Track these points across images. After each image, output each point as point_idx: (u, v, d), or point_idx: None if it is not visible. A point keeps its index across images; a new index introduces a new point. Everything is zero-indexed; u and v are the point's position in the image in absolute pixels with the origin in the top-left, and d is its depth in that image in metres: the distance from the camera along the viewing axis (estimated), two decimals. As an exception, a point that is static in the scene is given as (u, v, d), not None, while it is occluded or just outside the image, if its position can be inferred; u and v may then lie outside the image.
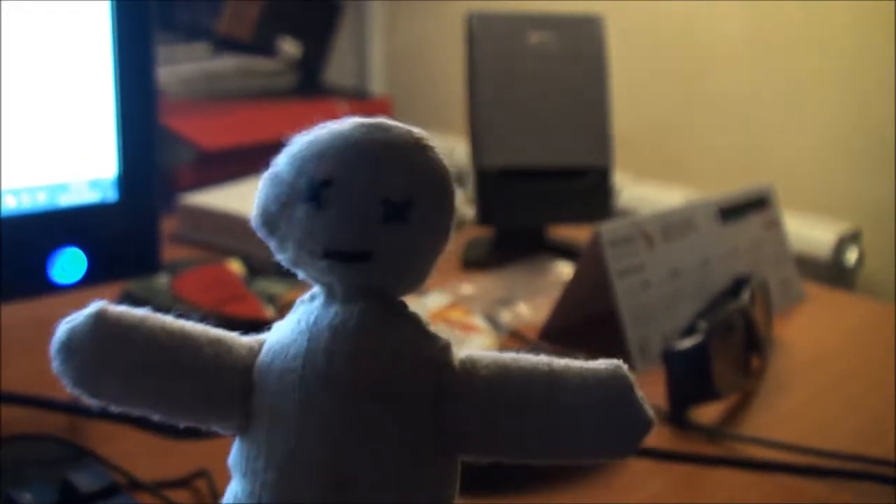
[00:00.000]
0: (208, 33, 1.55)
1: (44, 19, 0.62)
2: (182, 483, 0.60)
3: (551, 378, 0.36)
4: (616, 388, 0.36)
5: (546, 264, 1.01)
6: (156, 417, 0.37)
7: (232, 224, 1.00)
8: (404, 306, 0.37)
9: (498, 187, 0.99)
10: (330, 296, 0.36)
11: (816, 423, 0.73)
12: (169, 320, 0.37)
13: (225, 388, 0.36)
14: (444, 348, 0.36)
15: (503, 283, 0.96)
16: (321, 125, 0.36)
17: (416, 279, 0.37)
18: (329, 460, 0.35)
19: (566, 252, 1.02)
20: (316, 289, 0.37)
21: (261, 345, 0.37)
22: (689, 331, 0.73)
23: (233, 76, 1.48)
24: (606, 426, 0.36)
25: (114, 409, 0.36)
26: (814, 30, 1.29)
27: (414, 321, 0.36)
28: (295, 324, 0.36)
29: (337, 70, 1.67)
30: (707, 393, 0.71)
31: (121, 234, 0.68)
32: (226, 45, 1.53)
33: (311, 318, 0.36)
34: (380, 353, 0.35)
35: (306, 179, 0.34)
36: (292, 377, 0.35)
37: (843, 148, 1.28)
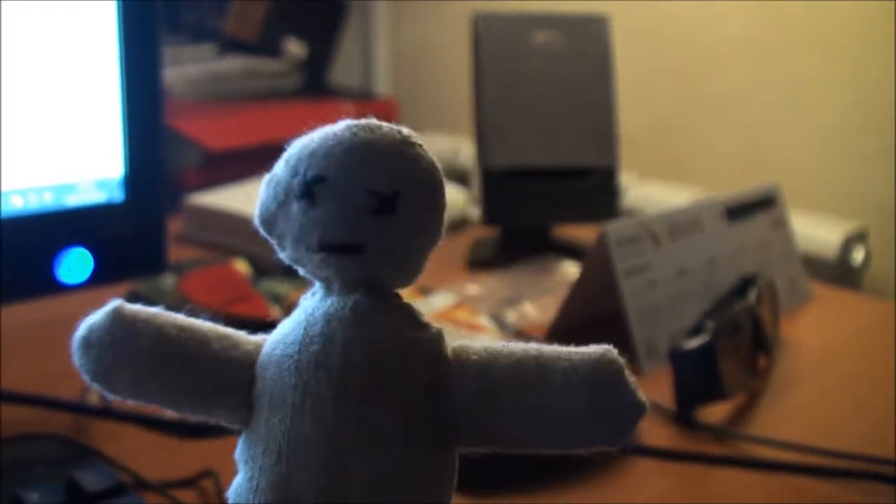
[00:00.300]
0: (214, 34, 1.55)
1: (50, 20, 0.62)
2: (188, 483, 0.60)
3: (540, 363, 0.37)
4: (605, 371, 0.37)
5: (552, 264, 1.01)
6: (168, 410, 0.39)
7: (238, 224, 1.00)
8: (398, 297, 0.38)
9: (504, 187, 0.99)
10: (328, 289, 0.38)
11: (824, 422, 0.73)
12: (180, 317, 0.39)
13: (231, 380, 0.38)
14: (437, 337, 0.38)
15: (509, 283, 0.96)
16: (317, 129, 0.38)
17: (408, 271, 0.38)
18: (323, 443, 0.36)
19: (572, 252, 1.02)
20: (316, 285, 0.39)
21: (265, 340, 0.39)
22: (696, 330, 0.73)
23: (238, 77, 1.49)
24: (597, 410, 0.36)
25: (130, 401, 0.39)
26: (819, 29, 1.29)
27: (406, 310, 0.38)
28: (295, 317, 0.38)
29: (342, 71, 1.68)
30: (714, 393, 0.71)
31: (127, 235, 0.68)
32: (231, 45, 1.54)
33: (309, 310, 0.37)
34: (372, 341, 0.36)
35: (300, 178, 0.37)
36: (289, 363, 0.37)
37: (849, 147, 1.28)
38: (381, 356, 0.36)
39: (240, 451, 0.38)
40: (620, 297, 0.80)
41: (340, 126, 0.37)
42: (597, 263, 0.81)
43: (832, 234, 1.22)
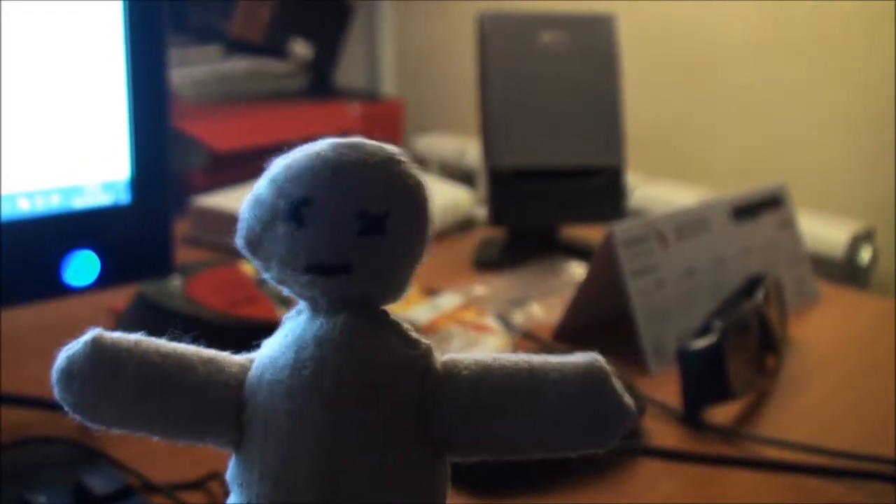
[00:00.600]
0: (220, 35, 1.55)
1: (56, 22, 0.62)
2: (195, 485, 0.60)
3: (531, 375, 0.37)
4: (594, 379, 0.37)
5: (559, 265, 1.00)
6: (154, 438, 0.38)
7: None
8: (386, 315, 0.38)
9: (510, 187, 0.99)
10: (315, 309, 0.38)
11: (832, 422, 0.73)
12: (162, 343, 0.38)
13: (218, 405, 0.37)
14: (426, 352, 0.38)
15: (516, 284, 0.96)
16: (298, 148, 0.37)
17: (396, 288, 0.38)
18: (320, 468, 0.36)
19: (579, 252, 1.01)
20: (301, 304, 0.38)
21: (251, 362, 0.38)
22: (704, 330, 0.72)
23: (244, 78, 1.49)
24: (587, 418, 0.37)
25: (115, 431, 0.38)
26: (825, 29, 1.29)
27: (396, 328, 0.38)
28: (282, 338, 0.38)
29: (348, 71, 1.68)
30: (722, 393, 0.71)
31: (134, 237, 0.68)
32: (237, 47, 1.54)
33: (297, 332, 0.37)
34: (364, 361, 0.36)
35: (285, 199, 0.36)
36: (281, 389, 0.36)
37: (856, 146, 1.28)
38: (373, 377, 0.36)
39: (232, 474, 0.38)
40: (628, 298, 0.80)
41: (324, 145, 0.37)
42: (604, 264, 0.81)
43: (839, 234, 1.22)
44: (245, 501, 0.37)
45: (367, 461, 0.36)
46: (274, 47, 1.53)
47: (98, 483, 0.56)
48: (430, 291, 0.88)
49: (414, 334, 0.38)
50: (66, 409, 0.37)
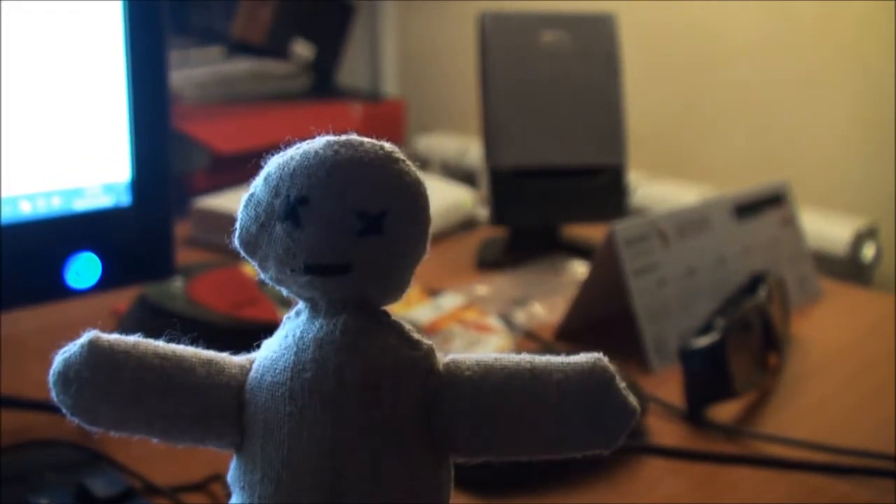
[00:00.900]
0: (222, 37, 1.55)
1: (56, 23, 0.62)
2: (198, 487, 0.60)
3: (533, 375, 0.37)
4: (597, 379, 0.37)
5: (561, 264, 1.00)
6: (154, 440, 0.38)
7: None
8: (387, 315, 0.38)
9: (512, 187, 0.99)
10: (314, 310, 0.37)
11: (835, 420, 0.73)
12: (161, 344, 0.38)
13: (218, 407, 0.37)
14: (428, 353, 0.37)
15: (518, 284, 0.96)
16: (294, 146, 0.37)
17: (396, 288, 0.38)
18: (322, 470, 0.36)
19: (581, 251, 1.01)
20: (300, 304, 0.38)
21: (251, 363, 0.38)
22: (706, 329, 0.72)
23: (246, 79, 1.48)
24: (591, 418, 0.37)
25: (113, 433, 0.38)
26: (827, 26, 1.28)
27: (397, 328, 0.38)
28: (282, 339, 0.37)
29: (350, 72, 1.68)
30: (724, 391, 0.71)
31: (135, 239, 0.68)
32: (239, 48, 1.54)
33: (297, 332, 0.37)
34: (365, 362, 0.36)
35: (282, 199, 0.36)
36: (282, 390, 0.36)
37: (859, 143, 1.28)
38: (374, 378, 0.36)
39: (233, 476, 0.38)
40: (629, 297, 0.80)
41: (320, 143, 0.36)
42: (606, 263, 0.81)
43: (842, 231, 1.22)
44: (247, 503, 0.37)
45: (369, 462, 0.36)
46: (275, 48, 1.53)
47: (100, 486, 0.56)
48: (432, 291, 0.88)
49: (415, 335, 0.38)
50: (64, 411, 0.37)
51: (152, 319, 0.75)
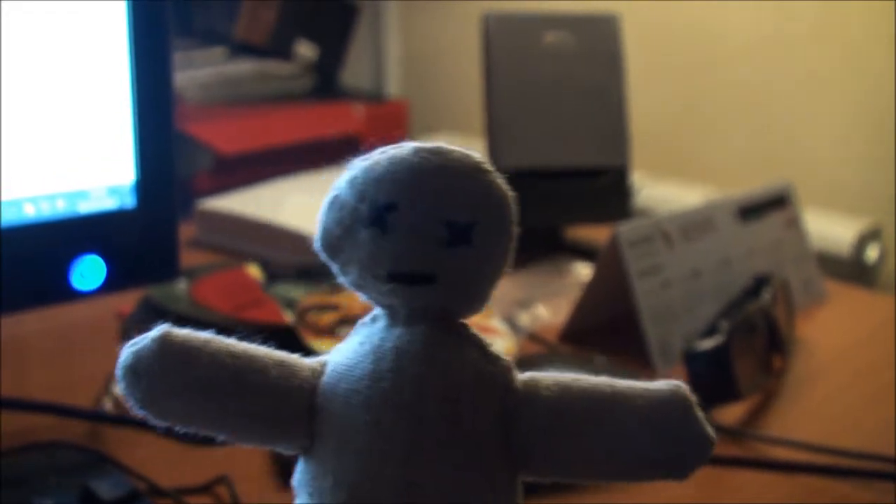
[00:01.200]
0: (225, 37, 1.55)
1: (60, 25, 0.62)
2: (203, 489, 0.60)
3: (613, 399, 0.37)
4: (677, 408, 0.37)
5: (564, 265, 1.00)
6: (220, 438, 0.38)
7: (250, 229, 1.00)
8: (467, 328, 0.38)
9: (515, 188, 0.99)
10: (392, 318, 0.37)
11: (839, 422, 0.73)
12: (233, 342, 0.37)
13: (291, 409, 0.37)
14: (507, 370, 0.37)
15: (521, 285, 0.95)
16: (380, 150, 0.37)
17: (478, 300, 0.37)
18: (397, 480, 0.35)
19: (585, 253, 1.01)
20: (377, 311, 0.38)
21: (323, 366, 0.38)
22: (711, 331, 0.72)
23: (249, 80, 1.48)
24: (669, 446, 0.36)
25: (179, 429, 0.37)
26: (831, 26, 1.28)
27: (478, 343, 0.37)
28: (358, 346, 0.37)
29: (353, 73, 1.67)
30: (729, 393, 0.71)
31: (139, 241, 0.68)
32: (242, 49, 1.54)
33: (375, 340, 0.36)
34: (445, 375, 0.36)
35: (369, 204, 0.35)
36: (359, 399, 0.36)
37: (862, 144, 1.27)
38: (454, 392, 0.36)
39: (301, 480, 0.37)
40: (634, 298, 0.80)
41: (408, 149, 0.36)
42: (610, 264, 0.81)
43: (846, 232, 1.22)
44: None
45: (445, 476, 0.35)
46: (279, 49, 1.53)
47: (105, 488, 0.56)
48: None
49: (495, 350, 0.37)
50: (131, 405, 0.36)
51: (156, 321, 0.75)
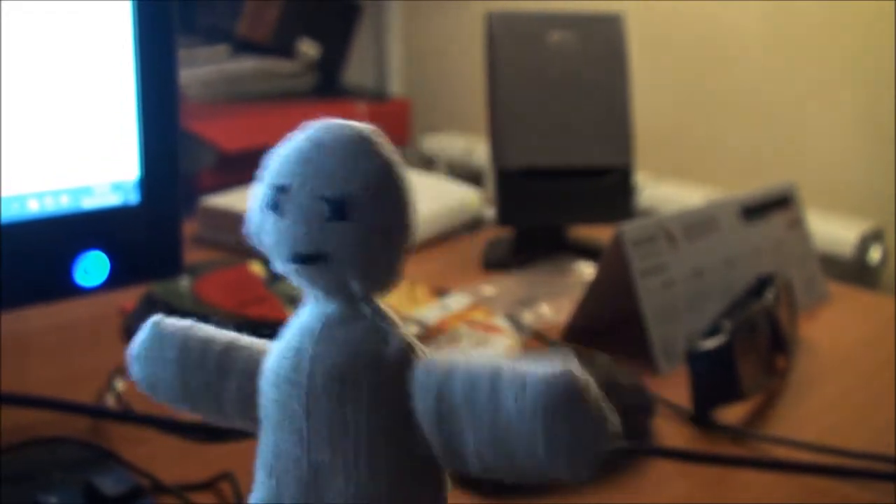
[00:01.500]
0: (228, 36, 1.55)
1: (65, 22, 0.62)
2: (206, 486, 0.60)
3: (492, 385, 0.34)
4: (559, 394, 0.33)
5: (568, 264, 1.00)
6: (210, 419, 0.40)
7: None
8: (370, 306, 0.37)
9: (518, 187, 0.99)
10: (315, 299, 0.37)
11: (842, 422, 0.73)
12: (207, 328, 0.40)
13: (242, 392, 0.38)
14: (404, 350, 0.36)
15: (525, 284, 0.95)
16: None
17: (379, 276, 0.36)
18: (301, 459, 0.36)
19: (588, 252, 1.01)
20: (308, 294, 0.38)
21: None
22: (714, 331, 0.72)
23: (252, 78, 1.49)
24: (550, 439, 0.33)
25: (175, 409, 0.40)
26: (834, 27, 1.28)
27: (376, 322, 0.36)
28: (287, 327, 0.38)
29: (356, 71, 1.68)
30: (732, 393, 0.71)
31: (143, 237, 0.68)
32: (245, 47, 1.54)
33: (294, 321, 0.37)
34: (336, 354, 0.36)
35: (267, 188, 0.36)
36: (270, 377, 0.37)
37: (865, 145, 1.27)
38: (342, 372, 0.35)
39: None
40: (637, 298, 0.80)
41: (308, 129, 0.36)
42: (613, 264, 0.81)
43: (848, 233, 1.22)
44: (254, 489, 0.38)
45: (342, 454, 0.35)
46: (281, 47, 1.53)
47: (108, 484, 0.56)
48: (439, 292, 0.88)
49: (397, 329, 0.36)
50: (138, 387, 0.40)
51: (159, 318, 0.75)
